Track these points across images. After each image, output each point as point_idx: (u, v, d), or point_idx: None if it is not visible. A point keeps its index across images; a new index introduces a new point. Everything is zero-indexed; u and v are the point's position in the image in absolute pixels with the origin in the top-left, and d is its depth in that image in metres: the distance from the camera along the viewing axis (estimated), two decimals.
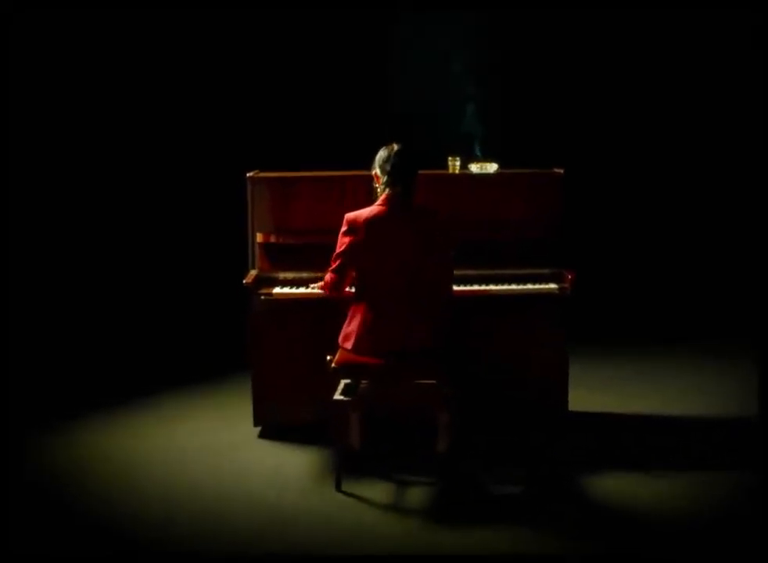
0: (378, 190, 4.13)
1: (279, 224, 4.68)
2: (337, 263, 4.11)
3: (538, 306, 4.64)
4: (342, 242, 4.07)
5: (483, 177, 4.82)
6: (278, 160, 5.10)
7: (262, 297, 4.52)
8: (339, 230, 4.08)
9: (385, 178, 4.07)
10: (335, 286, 4.16)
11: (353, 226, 4.05)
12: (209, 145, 6.72)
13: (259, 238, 4.66)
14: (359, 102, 6.65)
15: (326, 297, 4.27)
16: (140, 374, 5.77)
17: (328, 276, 4.17)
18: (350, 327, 4.10)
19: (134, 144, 6.69)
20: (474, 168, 4.85)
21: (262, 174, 4.80)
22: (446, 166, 4.86)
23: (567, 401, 4.81)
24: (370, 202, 4.17)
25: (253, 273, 4.64)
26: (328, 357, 4.14)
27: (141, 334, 6.41)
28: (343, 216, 4.08)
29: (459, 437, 4.24)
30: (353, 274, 4.11)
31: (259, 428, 4.79)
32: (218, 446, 4.62)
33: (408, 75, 6.54)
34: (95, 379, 5.66)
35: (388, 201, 4.07)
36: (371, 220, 4.03)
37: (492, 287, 4.54)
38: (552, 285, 4.56)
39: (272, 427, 4.76)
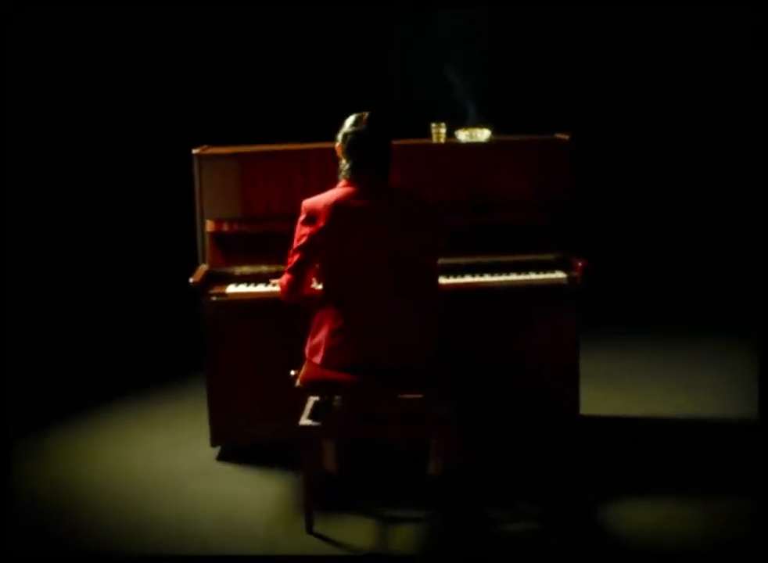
0: (341, 167, 3.41)
1: (233, 209, 3.99)
2: (295, 258, 3.39)
3: (543, 298, 3.96)
4: (302, 234, 3.36)
5: (474, 147, 4.15)
6: None
7: (213, 298, 3.82)
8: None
9: (349, 156, 3.36)
10: (293, 288, 3.42)
11: (313, 213, 3.34)
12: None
13: (209, 226, 3.96)
14: (357, 102, 5.98)
15: (284, 302, 3.54)
16: (89, 382, 5.11)
17: (284, 278, 3.46)
18: (317, 337, 3.40)
19: (66, 116, 5.90)
20: (462, 136, 4.20)
21: (211, 150, 4.09)
22: (429, 134, 4.20)
23: (578, 405, 4.19)
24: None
25: (203, 268, 3.93)
26: (293, 372, 3.44)
27: (91, 337, 5.67)
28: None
29: (455, 457, 3.56)
30: (314, 273, 3.43)
31: (218, 449, 4.12)
32: (169, 473, 3.97)
33: (408, 75, 6.05)
34: (37, 391, 4.96)
35: (353, 182, 3.36)
36: (333, 205, 3.32)
37: (487, 278, 3.88)
38: (560, 274, 3.88)
39: (233, 447, 4.11)
